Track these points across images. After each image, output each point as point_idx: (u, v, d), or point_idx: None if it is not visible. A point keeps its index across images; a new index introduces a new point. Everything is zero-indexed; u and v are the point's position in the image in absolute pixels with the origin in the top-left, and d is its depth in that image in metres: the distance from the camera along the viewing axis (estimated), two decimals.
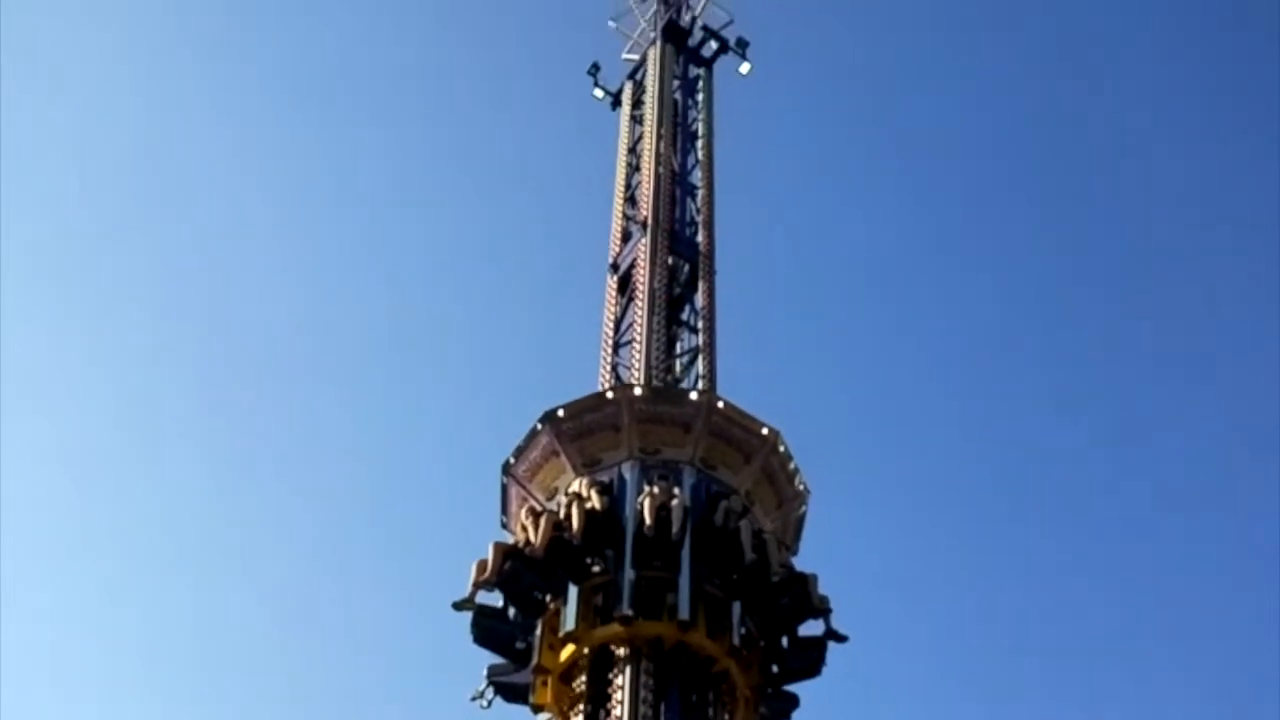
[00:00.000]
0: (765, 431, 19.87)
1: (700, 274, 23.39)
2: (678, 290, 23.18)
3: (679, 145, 25.70)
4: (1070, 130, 53.38)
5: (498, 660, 18.96)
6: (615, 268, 23.46)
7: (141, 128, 54.42)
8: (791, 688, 19.08)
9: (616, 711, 17.55)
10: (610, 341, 22.35)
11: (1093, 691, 47.41)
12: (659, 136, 25.15)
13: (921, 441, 52.27)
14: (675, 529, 18.22)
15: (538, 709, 18.65)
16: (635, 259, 23.12)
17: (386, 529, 52.17)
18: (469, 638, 19.00)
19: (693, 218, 24.53)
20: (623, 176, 25.25)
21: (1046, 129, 53.50)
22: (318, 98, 55.74)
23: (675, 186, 24.67)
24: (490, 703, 18.96)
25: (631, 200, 24.62)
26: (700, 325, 22.60)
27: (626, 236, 23.93)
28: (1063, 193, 53.13)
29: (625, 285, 23.07)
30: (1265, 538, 46.01)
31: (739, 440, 19.75)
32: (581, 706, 18.10)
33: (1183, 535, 50.59)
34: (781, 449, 19.93)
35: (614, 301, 22.96)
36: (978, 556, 51.77)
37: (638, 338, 21.66)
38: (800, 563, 19.89)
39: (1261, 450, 46.82)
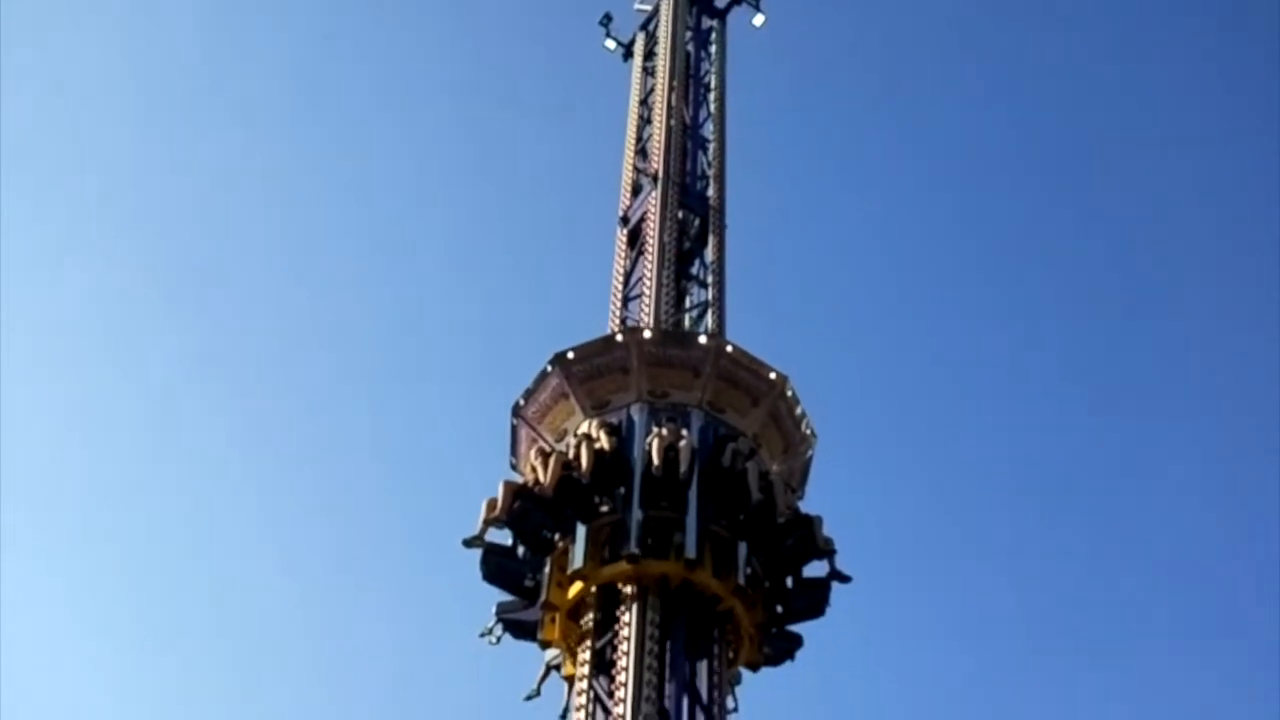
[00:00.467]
0: (773, 376, 20.10)
1: (710, 228, 23.46)
2: (688, 244, 23.30)
3: (691, 98, 25.72)
4: (1086, 104, 53.45)
5: (507, 598, 19.27)
6: (625, 221, 23.56)
7: (156, 128, 54.85)
8: (796, 628, 19.39)
9: (623, 647, 17.83)
10: (620, 295, 22.48)
11: (1095, 633, 48.07)
12: (671, 89, 25.20)
13: (929, 398, 52.62)
14: (683, 469, 18.47)
15: (545, 645, 19.02)
16: (645, 212, 23.19)
17: (399, 472, 52.69)
18: (479, 576, 19.33)
19: (704, 171, 24.58)
20: (634, 129, 25.30)
21: (1068, 92, 53.57)
22: (323, 54, 55.87)
23: (687, 139, 24.70)
24: (499, 639, 19.29)
25: (642, 153, 24.68)
26: (710, 280, 22.71)
27: (637, 190, 24.00)
28: (1081, 155, 53.24)
29: (635, 239, 23.16)
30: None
31: (747, 384, 19.96)
32: (589, 642, 18.38)
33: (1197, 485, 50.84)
34: (789, 394, 20.15)
35: (624, 255, 23.07)
36: (983, 510, 52.12)
37: (647, 291, 21.81)
38: (806, 508, 20.14)
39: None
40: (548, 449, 19.60)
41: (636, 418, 19.43)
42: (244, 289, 54.46)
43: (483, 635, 19.34)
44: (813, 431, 20.41)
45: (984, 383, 52.97)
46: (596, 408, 19.70)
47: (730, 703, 18.85)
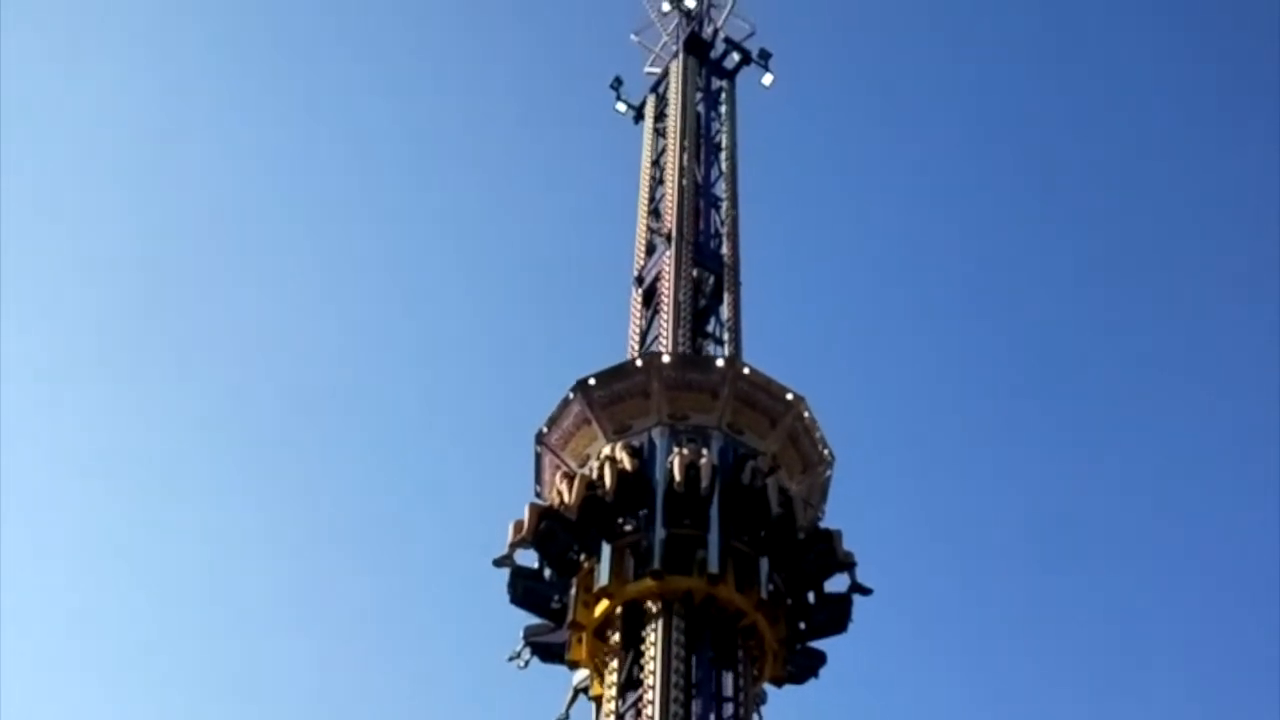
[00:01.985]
0: (790, 397, 20.50)
1: (725, 286, 23.65)
2: (703, 302, 23.48)
3: (702, 157, 25.98)
4: (1087, 136, 54.10)
5: (534, 621, 19.58)
6: (640, 281, 23.77)
7: (161, 135, 55.27)
8: (819, 644, 19.67)
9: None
10: (636, 355, 22.60)
11: (1118, 641, 48.22)
12: (682, 149, 25.48)
13: (944, 426, 53.10)
14: (704, 485, 18.86)
15: (574, 665, 19.29)
16: (660, 272, 23.39)
17: (425, 503, 53.11)
18: (506, 600, 19.66)
19: (717, 230, 24.81)
20: (646, 189, 25.53)
21: (1067, 138, 54.22)
22: (341, 111, 56.84)
23: (699, 199, 24.91)
24: (527, 663, 19.58)
25: (655, 213, 24.91)
26: (726, 337, 22.92)
27: (651, 249, 24.19)
28: (1081, 193, 53.81)
29: (650, 298, 23.34)
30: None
31: (765, 405, 20.36)
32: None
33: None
34: (806, 415, 20.55)
35: (639, 315, 23.31)
36: (1002, 526, 52.38)
37: (664, 351, 21.96)
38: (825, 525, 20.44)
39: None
40: (571, 473, 19.98)
41: (658, 440, 19.83)
42: (266, 309, 55.01)
43: (511, 659, 19.63)
44: (831, 452, 20.77)
45: (995, 414, 53.45)
46: (618, 432, 20.11)
47: None
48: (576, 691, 19.52)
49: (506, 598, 19.50)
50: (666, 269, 23.22)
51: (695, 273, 23.51)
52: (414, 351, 55.87)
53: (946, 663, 48.86)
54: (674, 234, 23.67)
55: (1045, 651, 49.49)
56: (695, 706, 18.10)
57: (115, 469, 55.80)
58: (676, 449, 19.43)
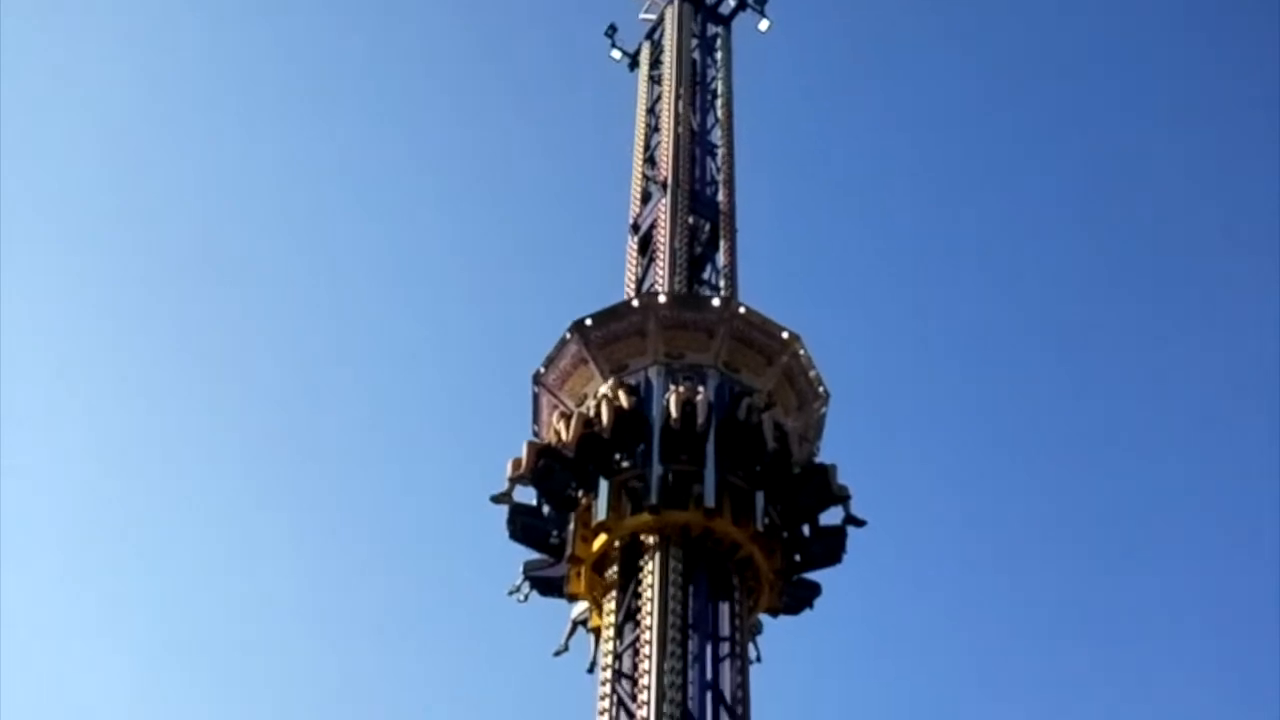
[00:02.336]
0: (786, 335, 20.83)
1: (721, 233, 23.82)
2: (699, 250, 23.71)
3: (698, 104, 26.06)
4: (1092, 77, 54.34)
5: (534, 556, 19.98)
6: (636, 229, 23.92)
7: (156, 126, 55.59)
8: (814, 576, 20.05)
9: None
10: (633, 296, 22.75)
11: (1115, 551, 48.95)
12: (678, 96, 25.49)
13: (939, 386, 53.51)
14: (700, 421, 19.21)
15: (573, 598, 19.72)
16: (656, 219, 23.56)
17: (425, 446, 53.52)
18: (505, 537, 20.04)
19: (713, 177, 24.98)
20: (642, 137, 25.60)
21: (1073, 79, 54.37)
22: (331, 65, 56.96)
23: (695, 146, 24.99)
24: (527, 596, 20.03)
25: (651, 161, 25.04)
26: (722, 284, 23.16)
27: (646, 197, 24.34)
28: (1085, 133, 54.09)
29: (646, 246, 23.52)
30: None
31: (760, 344, 20.70)
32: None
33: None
34: (802, 352, 20.87)
35: (635, 263, 23.52)
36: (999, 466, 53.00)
37: (660, 291, 22.11)
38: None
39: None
40: (569, 412, 20.31)
41: (654, 379, 20.15)
42: (255, 266, 55.24)
43: (511, 593, 20.06)
44: (826, 389, 21.10)
45: (992, 359, 54.14)
46: (615, 371, 20.42)
47: (753, 652, 19.49)
48: (575, 624, 19.93)
49: (505, 535, 19.93)
50: (662, 217, 23.41)
51: (691, 220, 23.69)
52: (409, 308, 56.13)
53: (940, 597, 49.65)
54: (669, 181, 23.81)
55: (1038, 586, 50.22)
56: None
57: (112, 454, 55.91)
58: (673, 387, 19.76)
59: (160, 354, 56.58)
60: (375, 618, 51.00)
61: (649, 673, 17.76)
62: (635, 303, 21.13)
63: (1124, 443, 51.84)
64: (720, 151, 25.34)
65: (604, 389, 20.14)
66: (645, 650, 18.04)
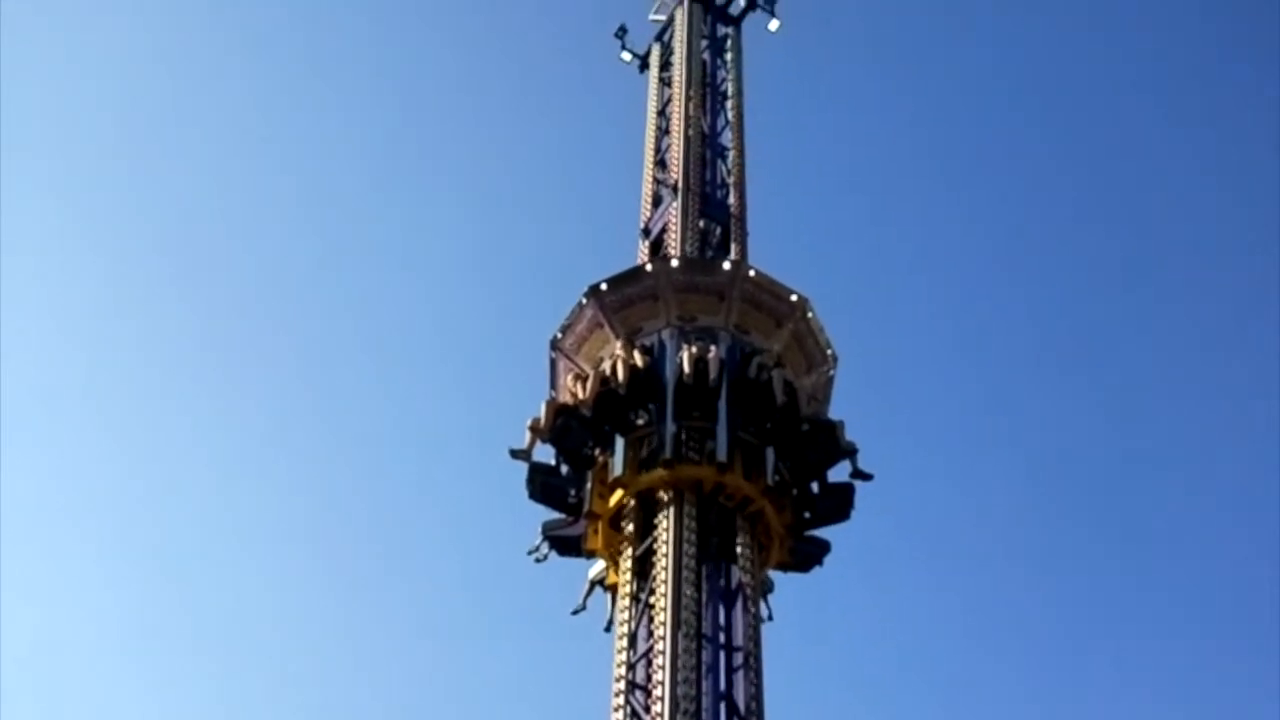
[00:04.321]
0: (795, 298, 21.38)
1: (732, 236, 23.93)
2: (710, 253, 23.74)
3: (708, 106, 26.01)
4: (1100, 74, 54.87)
5: (552, 516, 20.56)
6: (647, 232, 23.98)
7: (164, 128, 56.27)
8: (824, 533, 20.58)
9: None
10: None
11: (1114, 529, 49.48)
12: (688, 98, 25.49)
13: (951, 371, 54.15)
14: (713, 377, 19.78)
15: (590, 554, 20.27)
16: (667, 223, 23.69)
17: (445, 415, 54.23)
18: (524, 499, 20.59)
19: (724, 180, 24.94)
20: (652, 140, 25.53)
21: (1082, 79, 54.92)
22: (344, 62, 57.65)
23: (705, 148, 24.91)
24: (545, 556, 20.58)
25: (661, 164, 25.04)
26: None
27: (657, 200, 24.33)
28: (1090, 127, 54.65)
29: (657, 249, 23.56)
30: None
31: (770, 306, 21.24)
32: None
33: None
34: (810, 315, 21.41)
35: None
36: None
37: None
38: None
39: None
40: (585, 375, 20.87)
41: (668, 341, 20.69)
42: (266, 249, 56.00)
43: (530, 553, 20.62)
44: (834, 352, 21.62)
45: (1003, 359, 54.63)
46: (630, 334, 20.97)
47: (764, 610, 19.98)
48: (593, 584, 20.46)
49: (524, 495, 20.48)
50: (673, 220, 23.50)
51: (702, 223, 23.74)
52: (426, 304, 56.76)
53: (947, 564, 50.53)
54: (680, 185, 23.83)
55: (1041, 554, 51.00)
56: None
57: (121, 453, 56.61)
58: (686, 346, 20.31)
59: (170, 340, 57.34)
60: (395, 577, 52.07)
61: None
62: (649, 267, 21.70)
63: (1142, 419, 52.63)
64: (731, 154, 25.24)
65: (619, 350, 20.69)
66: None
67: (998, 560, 51.43)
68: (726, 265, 21.83)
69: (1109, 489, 51.48)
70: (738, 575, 19.33)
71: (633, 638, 18.77)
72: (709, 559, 19.28)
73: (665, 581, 18.66)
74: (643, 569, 19.39)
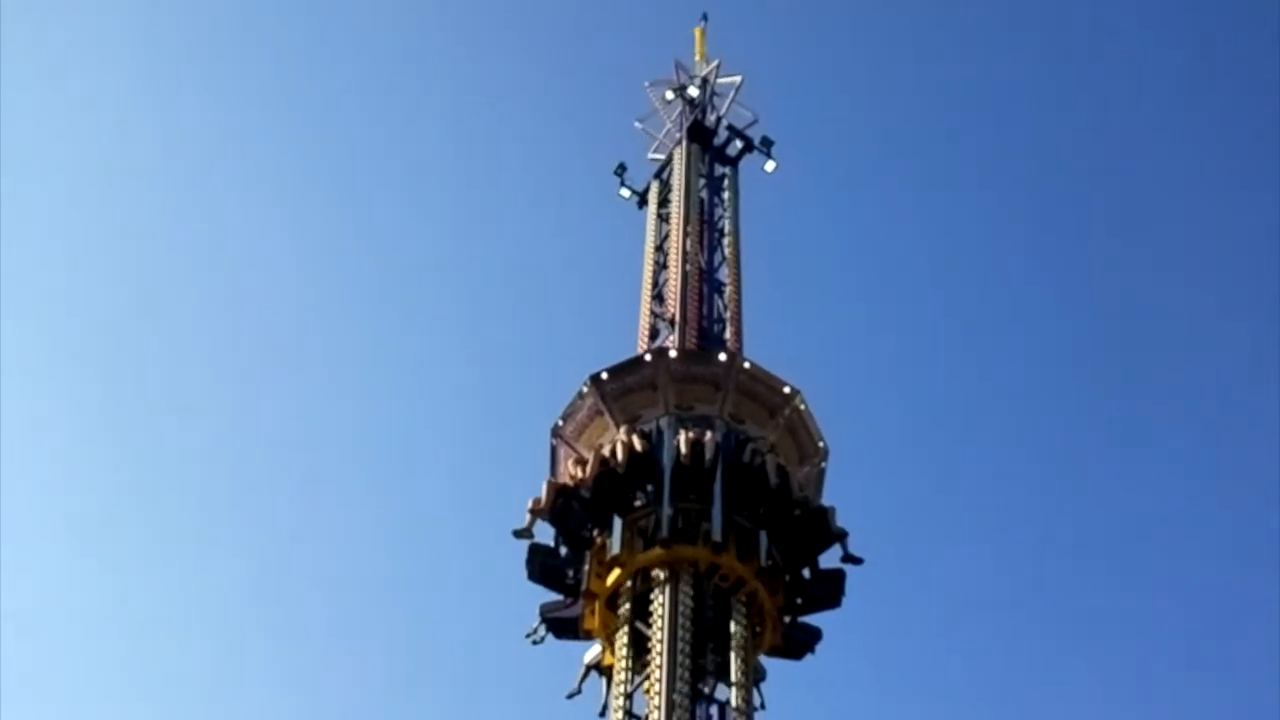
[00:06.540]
0: (787, 390, 22.13)
1: None
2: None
3: (705, 242, 26.44)
4: (1085, 198, 56.56)
5: (550, 599, 21.04)
6: None
7: (160, 138, 56.62)
8: (815, 620, 21.04)
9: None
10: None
11: (1097, 612, 49.54)
12: (685, 234, 25.93)
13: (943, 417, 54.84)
14: (708, 459, 20.47)
15: (588, 635, 20.70)
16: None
17: (446, 501, 54.78)
18: (523, 581, 21.06)
19: (720, 314, 25.30)
20: (650, 274, 25.87)
21: (1069, 205, 56.55)
22: (367, 177, 58.98)
23: (702, 283, 25.27)
24: (543, 638, 21.05)
25: (659, 298, 25.37)
26: None
27: (655, 333, 24.55)
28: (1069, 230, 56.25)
29: None
30: None
31: (764, 397, 22.01)
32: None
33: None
34: (803, 406, 22.15)
35: None
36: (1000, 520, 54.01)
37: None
38: None
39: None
40: (585, 459, 21.49)
41: (665, 428, 21.37)
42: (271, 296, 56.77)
43: (528, 635, 21.10)
44: (825, 444, 22.29)
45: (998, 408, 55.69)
46: (629, 421, 21.66)
47: (757, 698, 20.23)
48: (588, 668, 20.82)
49: (522, 578, 20.95)
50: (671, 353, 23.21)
51: None
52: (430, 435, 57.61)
53: (937, 657, 50.77)
54: (678, 318, 24.23)
55: (1034, 640, 51.32)
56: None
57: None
58: (683, 430, 20.99)
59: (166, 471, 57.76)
60: (393, 657, 52.01)
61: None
62: (648, 357, 22.47)
63: (1126, 485, 53.39)
64: (727, 289, 25.56)
65: (619, 435, 21.35)
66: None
67: (992, 653, 51.81)
68: (722, 357, 22.63)
69: (1093, 575, 52.11)
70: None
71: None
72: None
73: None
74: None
